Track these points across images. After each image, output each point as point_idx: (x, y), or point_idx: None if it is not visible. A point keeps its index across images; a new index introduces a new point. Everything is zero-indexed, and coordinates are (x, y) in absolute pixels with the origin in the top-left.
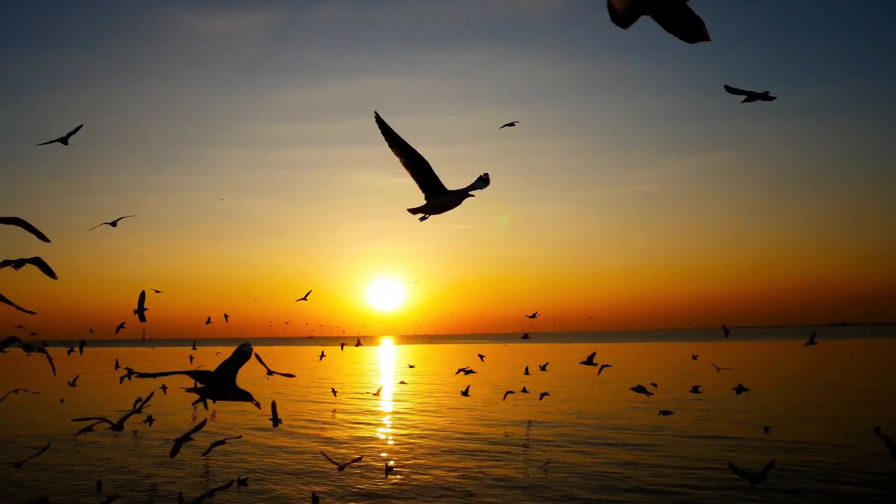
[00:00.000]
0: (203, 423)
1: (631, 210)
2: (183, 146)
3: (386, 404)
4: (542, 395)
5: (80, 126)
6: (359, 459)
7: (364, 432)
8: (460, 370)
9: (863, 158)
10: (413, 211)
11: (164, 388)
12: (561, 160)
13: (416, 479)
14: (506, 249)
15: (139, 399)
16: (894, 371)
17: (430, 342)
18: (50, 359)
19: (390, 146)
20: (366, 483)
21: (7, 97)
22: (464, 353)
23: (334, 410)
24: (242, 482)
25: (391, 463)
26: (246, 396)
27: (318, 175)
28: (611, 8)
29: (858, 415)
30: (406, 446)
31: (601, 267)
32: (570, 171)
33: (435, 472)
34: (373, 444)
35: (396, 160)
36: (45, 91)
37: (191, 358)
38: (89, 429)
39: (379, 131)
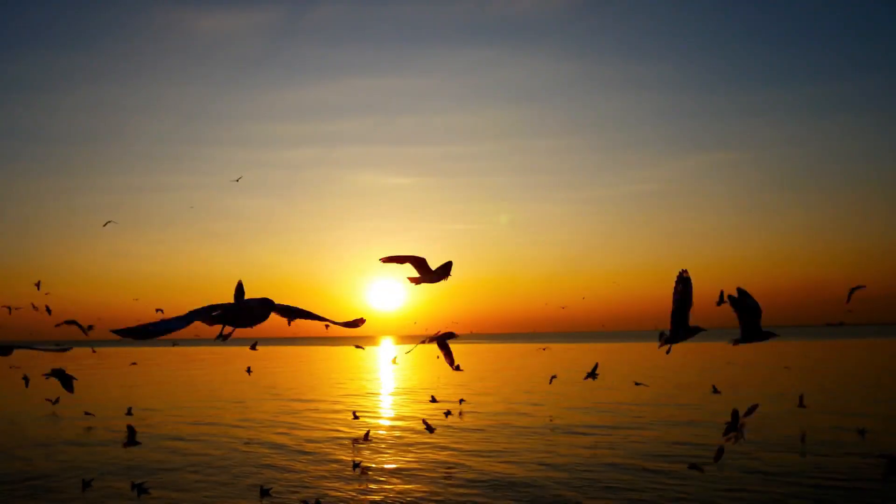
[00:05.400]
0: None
1: (631, 210)
2: (181, 145)
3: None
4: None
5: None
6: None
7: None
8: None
9: (864, 158)
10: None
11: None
12: (561, 160)
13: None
14: (506, 249)
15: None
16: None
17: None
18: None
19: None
20: (336, 481)
21: (4, 96)
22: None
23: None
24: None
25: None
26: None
27: (317, 174)
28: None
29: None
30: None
31: (601, 267)
32: (570, 171)
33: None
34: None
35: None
36: (43, 90)
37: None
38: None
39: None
